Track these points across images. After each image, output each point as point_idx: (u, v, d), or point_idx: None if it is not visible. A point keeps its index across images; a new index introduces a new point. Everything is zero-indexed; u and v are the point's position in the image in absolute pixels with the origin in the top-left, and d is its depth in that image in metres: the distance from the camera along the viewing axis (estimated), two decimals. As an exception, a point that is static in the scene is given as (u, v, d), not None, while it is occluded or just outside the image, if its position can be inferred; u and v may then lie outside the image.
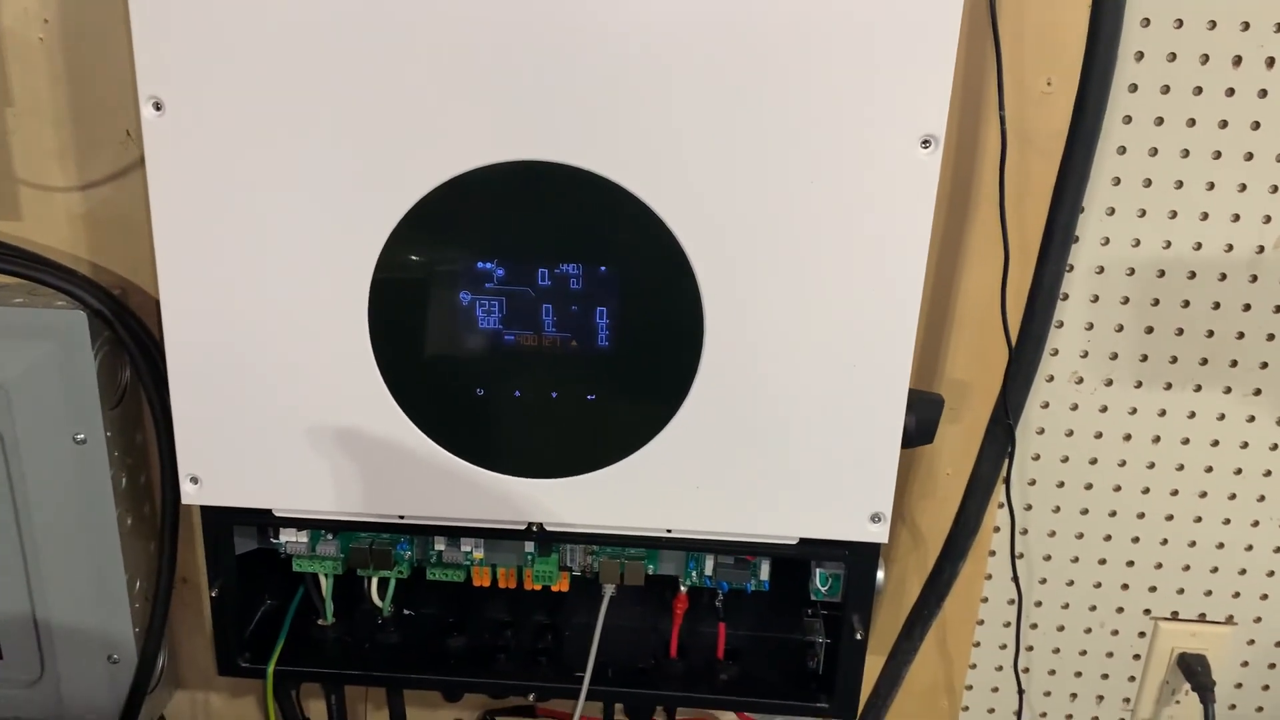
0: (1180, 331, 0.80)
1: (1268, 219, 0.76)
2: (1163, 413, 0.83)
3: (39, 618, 0.80)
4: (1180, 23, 0.72)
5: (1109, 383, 0.82)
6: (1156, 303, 0.79)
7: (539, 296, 0.65)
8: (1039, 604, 0.90)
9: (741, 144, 0.61)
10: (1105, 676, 0.92)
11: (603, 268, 0.64)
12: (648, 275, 0.64)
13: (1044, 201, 0.71)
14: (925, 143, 0.60)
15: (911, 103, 0.59)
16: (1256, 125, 0.74)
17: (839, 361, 0.64)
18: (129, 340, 0.75)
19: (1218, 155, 0.75)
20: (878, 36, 0.58)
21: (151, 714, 0.87)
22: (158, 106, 0.61)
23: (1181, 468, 0.84)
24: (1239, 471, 0.84)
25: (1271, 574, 0.87)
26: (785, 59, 0.59)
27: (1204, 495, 0.85)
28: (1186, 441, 0.83)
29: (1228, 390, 0.81)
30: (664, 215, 0.62)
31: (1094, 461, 0.84)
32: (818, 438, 0.66)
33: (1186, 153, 0.75)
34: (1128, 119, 0.74)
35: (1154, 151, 0.75)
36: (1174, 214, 0.77)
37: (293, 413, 0.68)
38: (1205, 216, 0.77)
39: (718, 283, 0.63)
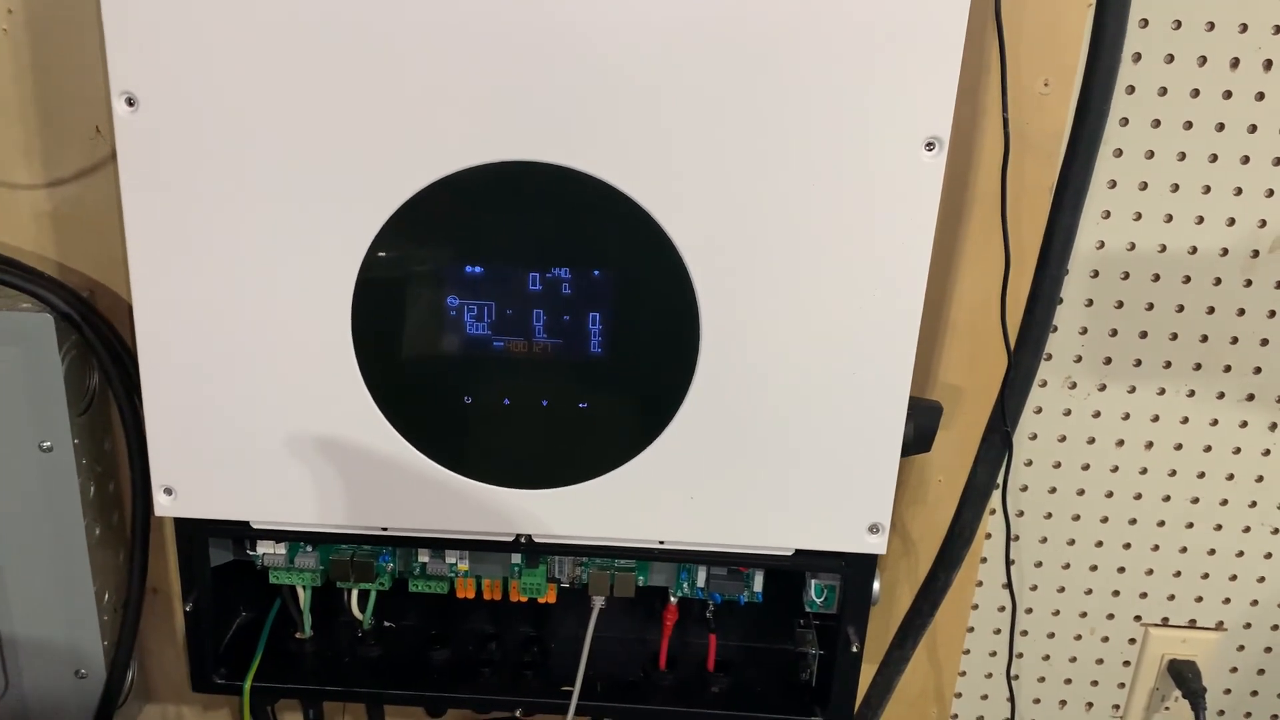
0: (1174, 336, 0.79)
1: (1263, 223, 0.76)
2: (1156, 418, 0.82)
3: (3, 631, 0.77)
4: (1179, 24, 0.71)
5: (1102, 388, 0.81)
6: (1151, 307, 0.79)
7: (529, 301, 0.63)
8: (1029, 610, 0.89)
9: (739, 145, 0.59)
10: (1095, 683, 0.91)
11: (596, 272, 0.62)
12: (642, 280, 0.62)
13: (1039, 204, 0.70)
14: (930, 145, 0.58)
15: (916, 104, 0.57)
16: (1253, 128, 0.73)
17: (838, 369, 0.63)
18: (98, 344, 0.72)
19: (1214, 158, 0.74)
20: (881, 36, 0.57)
21: (121, 729, 0.85)
22: (130, 102, 0.59)
23: (1174, 473, 0.83)
24: (1231, 477, 0.83)
25: (1262, 580, 0.87)
26: (785, 58, 0.57)
27: (1196, 501, 0.84)
28: (1179, 447, 0.83)
29: (1221, 395, 0.81)
30: (659, 218, 0.60)
31: (1086, 467, 0.84)
32: (816, 447, 0.65)
33: (1183, 156, 0.74)
34: (1124, 121, 0.74)
35: (1150, 154, 0.74)
36: (1170, 218, 0.76)
37: (272, 421, 0.65)
38: (1201, 220, 0.76)
39: (714, 288, 0.62)
